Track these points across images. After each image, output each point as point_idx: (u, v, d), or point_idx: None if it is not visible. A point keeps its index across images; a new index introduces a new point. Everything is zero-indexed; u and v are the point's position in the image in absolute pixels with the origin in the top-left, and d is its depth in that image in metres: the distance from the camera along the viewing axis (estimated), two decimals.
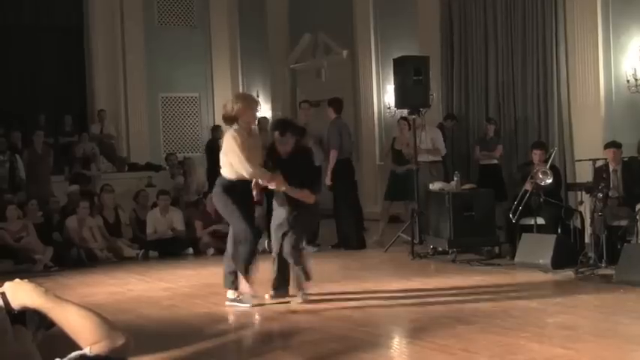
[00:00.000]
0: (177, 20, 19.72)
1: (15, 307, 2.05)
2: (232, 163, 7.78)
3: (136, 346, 2.15)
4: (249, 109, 7.99)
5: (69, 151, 15.98)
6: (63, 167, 15.52)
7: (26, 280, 2.13)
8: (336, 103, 12.45)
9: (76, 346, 2.06)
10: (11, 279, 2.13)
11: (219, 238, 11.90)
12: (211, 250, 12.20)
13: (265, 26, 18.73)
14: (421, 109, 11.84)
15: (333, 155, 11.99)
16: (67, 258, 11.80)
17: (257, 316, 7.70)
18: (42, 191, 13.57)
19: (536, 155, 10.49)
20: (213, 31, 19.85)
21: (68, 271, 11.19)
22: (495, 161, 12.51)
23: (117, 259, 12.17)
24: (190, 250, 12.55)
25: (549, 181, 9.97)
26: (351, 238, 12.11)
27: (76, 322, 2.07)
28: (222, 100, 18.59)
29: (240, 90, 19.59)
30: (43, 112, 17.12)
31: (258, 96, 18.66)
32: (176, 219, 12.83)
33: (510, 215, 10.21)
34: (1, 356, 1.16)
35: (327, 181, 11.97)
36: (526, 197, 10.11)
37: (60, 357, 1.96)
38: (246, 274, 7.85)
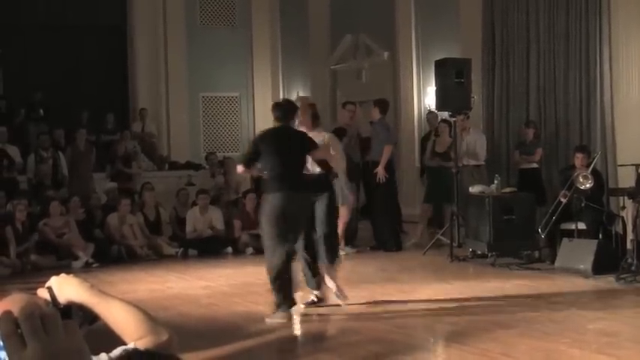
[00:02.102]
0: (218, 20, 19.80)
1: (61, 302, 2.08)
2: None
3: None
4: None
5: (110, 149, 16.14)
6: (105, 165, 15.67)
7: (72, 275, 2.16)
8: (383, 104, 12.46)
9: (119, 341, 2.08)
10: (54, 274, 2.15)
11: (258, 238, 11.95)
12: (250, 250, 12.25)
13: (306, 27, 18.75)
14: (466, 112, 11.84)
15: (388, 150, 11.98)
16: (108, 255, 11.93)
17: (296, 317, 7.71)
18: (84, 188, 13.72)
19: (579, 159, 10.39)
20: (254, 31, 19.90)
21: (108, 267, 11.31)
22: (535, 165, 12.38)
23: (156, 257, 12.27)
24: (229, 249, 12.60)
25: (589, 185, 9.87)
26: (388, 240, 12.09)
27: (121, 318, 2.09)
28: (262, 100, 19.03)
29: (280, 91, 19.65)
30: (85, 110, 17.30)
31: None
32: (215, 218, 12.90)
33: (540, 230, 10.16)
34: (52, 352, 1.16)
35: (382, 176, 11.89)
36: (559, 210, 10.06)
37: (105, 352, 1.98)
38: None
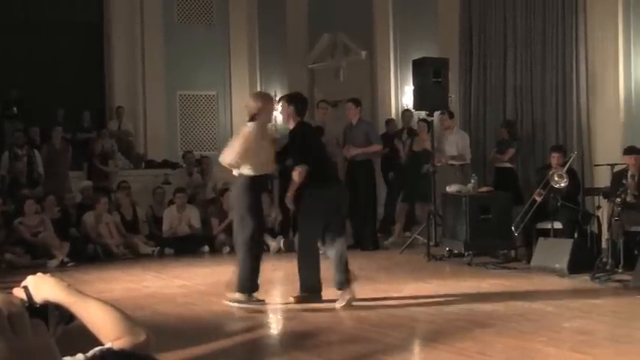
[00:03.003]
0: (196, 18, 19.73)
1: (37, 301, 2.06)
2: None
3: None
4: (268, 107, 8.09)
5: (87, 147, 16.05)
6: (81, 163, 15.57)
7: (48, 274, 2.14)
8: (360, 103, 12.48)
9: (96, 342, 2.06)
10: (29, 273, 2.13)
11: None
12: (227, 249, 12.23)
13: (284, 25, 18.72)
14: (450, 111, 11.90)
15: (376, 148, 12.05)
16: (84, 253, 11.87)
17: (273, 316, 7.70)
18: (60, 187, 13.64)
19: (554, 158, 10.46)
20: (232, 29, 19.84)
21: (84, 266, 11.25)
22: (508, 164, 12.41)
23: (133, 256, 12.22)
24: (206, 248, 12.57)
25: (564, 184, 9.94)
26: (366, 240, 12.09)
27: (98, 318, 2.07)
28: (240, 99, 18.98)
29: (258, 90, 19.61)
30: (61, 107, 17.18)
31: (275, 95, 18.68)
32: (192, 216, 12.86)
33: (513, 228, 10.21)
34: (20, 351, 1.15)
35: (350, 153, 11.99)
36: (533, 209, 10.12)
37: (81, 352, 1.96)
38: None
